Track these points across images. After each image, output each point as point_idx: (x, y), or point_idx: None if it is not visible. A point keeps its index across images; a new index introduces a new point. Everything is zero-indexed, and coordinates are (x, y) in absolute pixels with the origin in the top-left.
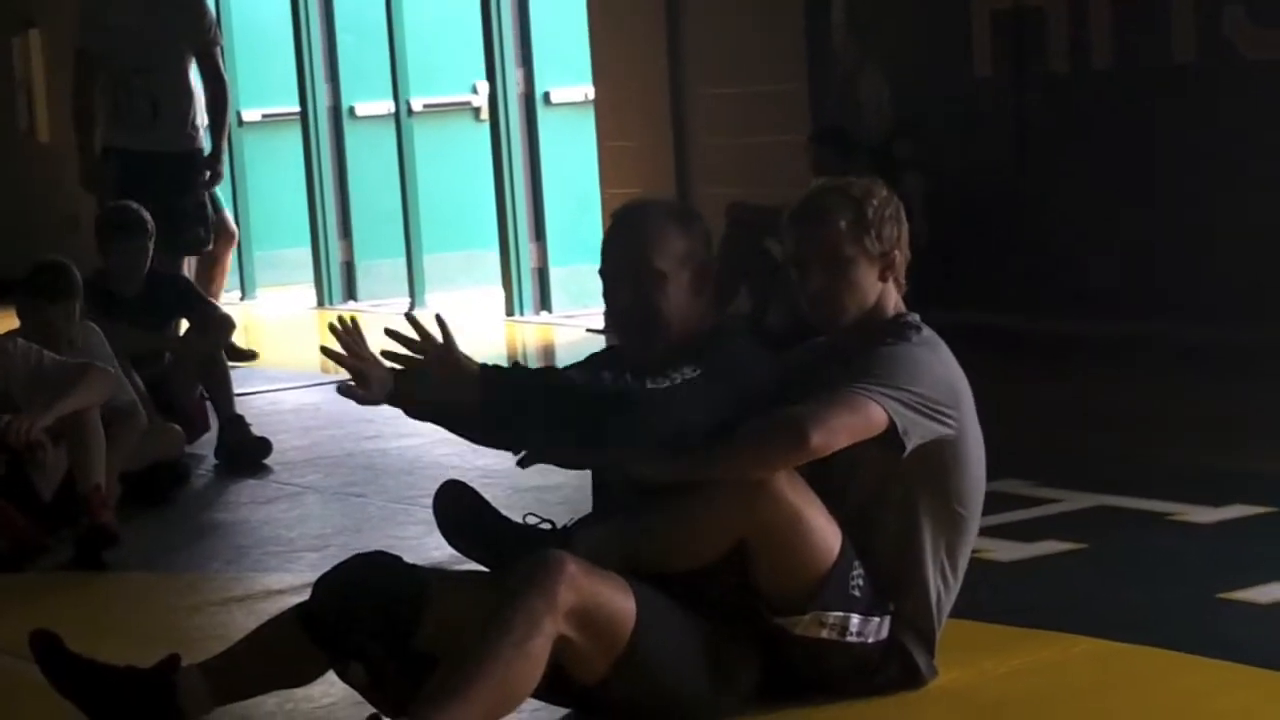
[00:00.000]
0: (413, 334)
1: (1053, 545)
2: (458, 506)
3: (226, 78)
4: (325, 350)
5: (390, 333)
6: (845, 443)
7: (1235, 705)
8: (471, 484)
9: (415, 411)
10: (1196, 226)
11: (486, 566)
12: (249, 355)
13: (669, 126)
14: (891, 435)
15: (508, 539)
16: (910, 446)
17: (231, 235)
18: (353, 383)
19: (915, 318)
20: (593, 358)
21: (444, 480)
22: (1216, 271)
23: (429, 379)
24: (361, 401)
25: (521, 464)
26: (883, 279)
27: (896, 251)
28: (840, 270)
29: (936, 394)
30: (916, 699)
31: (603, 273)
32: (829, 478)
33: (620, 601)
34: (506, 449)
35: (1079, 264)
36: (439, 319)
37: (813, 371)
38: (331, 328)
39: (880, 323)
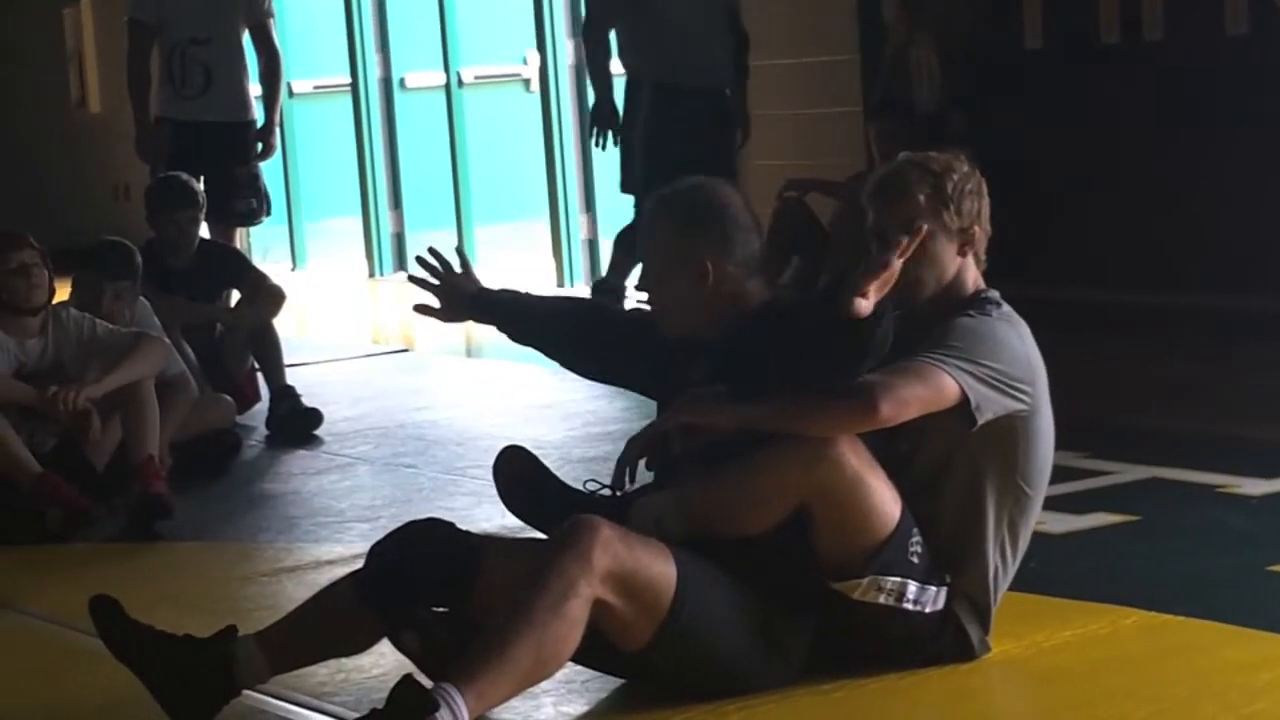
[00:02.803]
0: (434, 262)
1: (1104, 517)
2: (518, 473)
3: (279, 50)
4: (413, 278)
5: (419, 259)
6: (915, 414)
7: None
8: None
9: (480, 319)
10: (1250, 198)
11: (545, 534)
12: None
13: None
14: (963, 409)
15: (567, 506)
16: (981, 421)
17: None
18: (435, 304)
19: (995, 294)
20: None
21: (503, 447)
22: (1270, 242)
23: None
24: (442, 319)
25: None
26: (962, 254)
27: (976, 227)
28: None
29: (1014, 369)
30: (967, 670)
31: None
32: (895, 444)
33: (660, 567)
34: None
35: (1130, 236)
36: (458, 250)
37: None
38: (419, 259)
39: (959, 297)
